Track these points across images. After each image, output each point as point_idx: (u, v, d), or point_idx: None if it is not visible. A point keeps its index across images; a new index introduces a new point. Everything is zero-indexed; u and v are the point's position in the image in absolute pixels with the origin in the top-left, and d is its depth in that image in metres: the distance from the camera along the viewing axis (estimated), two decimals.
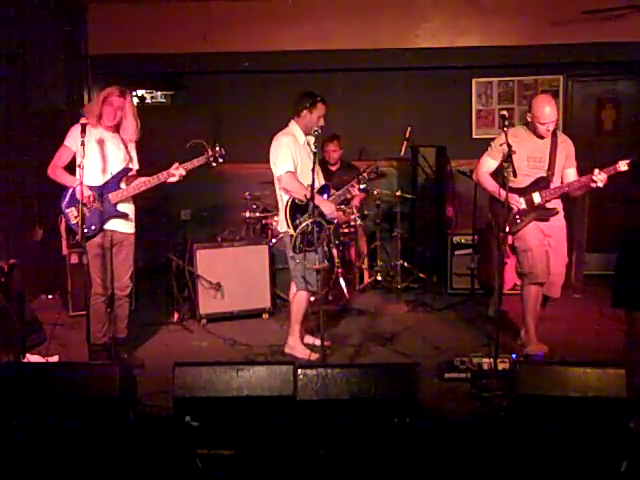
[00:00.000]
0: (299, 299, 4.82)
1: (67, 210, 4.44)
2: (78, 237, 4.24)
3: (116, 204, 4.50)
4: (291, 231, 4.59)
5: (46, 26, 6.37)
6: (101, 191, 4.46)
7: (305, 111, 4.70)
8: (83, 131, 4.02)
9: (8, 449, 3.15)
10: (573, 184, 4.60)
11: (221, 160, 4.68)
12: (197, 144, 4.67)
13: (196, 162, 4.61)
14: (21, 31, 6.11)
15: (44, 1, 6.37)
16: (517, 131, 4.76)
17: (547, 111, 4.50)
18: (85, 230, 4.31)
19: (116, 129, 4.54)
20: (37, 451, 3.13)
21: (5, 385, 3.32)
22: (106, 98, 4.45)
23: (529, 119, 4.61)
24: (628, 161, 4.42)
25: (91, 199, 4.36)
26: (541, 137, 4.62)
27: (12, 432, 3.20)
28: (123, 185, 4.54)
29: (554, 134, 4.65)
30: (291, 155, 4.62)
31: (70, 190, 4.43)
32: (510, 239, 4.63)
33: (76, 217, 4.32)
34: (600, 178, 4.44)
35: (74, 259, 5.77)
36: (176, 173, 4.54)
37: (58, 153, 4.49)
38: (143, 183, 4.54)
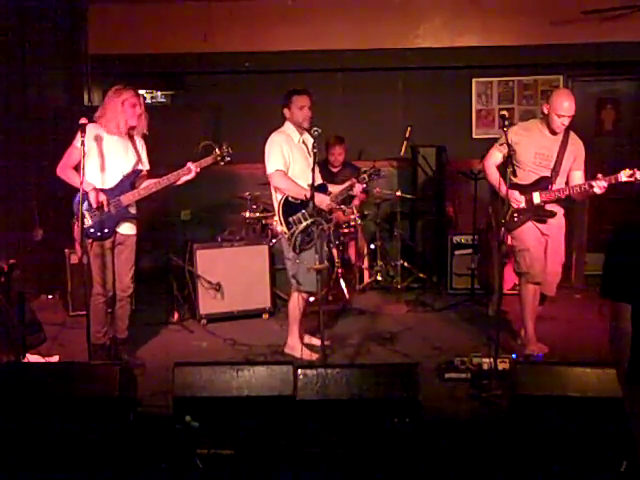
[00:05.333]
0: (294, 299, 4.83)
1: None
2: (92, 240, 4.30)
3: (127, 206, 4.50)
4: (284, 229, 4.60)
5: (46, 26, 6.37)
6: (113, 193, 4.45)
7: (285, 110, 4.74)
8: (83, 131, 4.01)
9: (8, 449, 3.14)
10: (574, 188, 4.57)
11: (229, 159, 4.69)
12: (206, 145, 4.68)
13: (204, 162, 4.62)
14: (21, 31, 6.11)
15: (44, 1, 6.37)
16: (530, 125, 4.75)
17: (566, 104, 4.47)
18: (99, 233, 4.35)
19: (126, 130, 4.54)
20: (37, 451, 3.13)
21: (5, 385, 3.32)
22: (125, 101, 4.45)
23: (546, 111, 4.56)
24: (630, 172, 4.37)
25: (105, 203, 4.36)
26: (554, 132, 4.58)
27: (12, 432, 3.19)
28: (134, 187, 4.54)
29: (566, 134, 4.62)
30: (281, 154, 4.63)
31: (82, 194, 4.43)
32: (508, 239, 4.62)
33: (91, 218, 4.34)
34: (600, 185, 4.40)
35: (74, 259, 5.76)
36: (192, 168, 4.53)
37: (67, 153, 4.45)
38: (154, 184, 4.52)
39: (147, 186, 4.53)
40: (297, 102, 4.70)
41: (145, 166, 4.63)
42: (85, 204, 4.36)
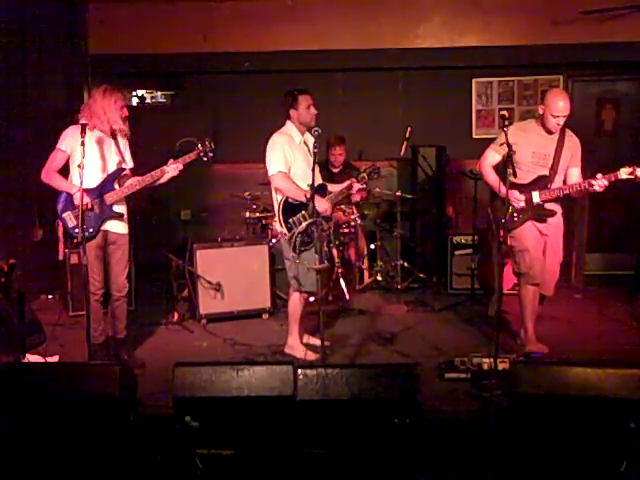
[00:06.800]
0: (294, 299, 4.83)
1: (64, 214, 4.43)
2: (77, 240, 4.27)
3: (112, 205, 4.51)
4: (284, 230, 4.60)
5: (46, 26, 6.37)
6: (97, 193, 4.45)
7: (291, 110, 4.72)
8: (83, 131, 4.01)
9: (8, 449, 3.14)
10: (573, 187, 4.57)
11: (211, 154, 4.68)
12: (187, 142, 4.67)
13: (187, 158, 4.61)
14: (21, 31, 6.11)
15: (44, 1, 6.37)
16: (526, 125, 4.75)
17: (560, 104, 4.47)
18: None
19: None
20: (37, 451, 3.13)
21: (5, 385, 3.32)
22: (116, 101, 4.46)
23: (541, 111, 4.57)
24: (630, 170, 4.37)
25: (89, 205, 4.36)
26: (550, 132, 4.58)
27: (12, 432, 3.19)
28: (117, 186, 4.53)
29: (562, 132, 4.62)
30: (283, 155, 4.62)
31: (64, 194, 4.42)
32: (508, 239, 4.61)
33: (75, 219, 4.33)
34: (600, 184, 4.40)
35: (74, 259, 5.76)
36: (168, 169, 4.54)
37: (52, 157, 4.47)
38: (137, 182, 4.53)
39: (130, 184, 4.54)
40: (304, 102, 4.69)
41: (128, 164, 4.63)
42: (66, 204, 4.38)
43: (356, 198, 6.31)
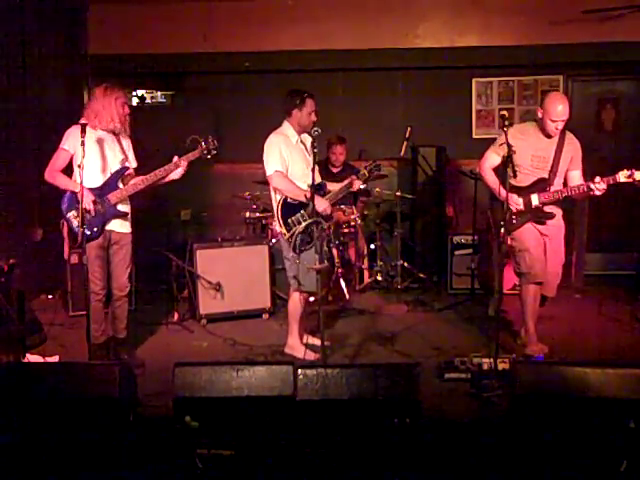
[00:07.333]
0: (294, 299, 4.82)
1: (69, 214, 4.43)
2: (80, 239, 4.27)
3: (116, 204, 4.50)
4: (283, 230, 4.60)
5: (46, 26, 6.37)
6: (101, 192, 4.45)
7: (295, 110, 4.70)
8: (83, 131, 4.01)
9: (8, 449, 3.14)
10: (572, 189, 4.57)
11: (214, 152, 4.68)
12: (193, 140, 4.68)
13: (191, 156, 4.61)
14: (21, 31, 6.11)
15: (44, 1, 6.37)
16: (525, 128, 4.74)
17: (559, 109, 4.46)
18: (88, 232, 4.31)
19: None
20: (37, 451, 3.13)
21: (5, 385, 3.32)
22: (118, 99, 4.47)
23: (540, 115, 4.55)
24: (628, 173, 4.36)
25: (93, 205, 4.36)
26: (549, 136, 4.58)
27: (12, 432, 3.19)
28: (121, 185, 4.54)
29: (562, 134, 4.60)
30: (280, 155, 4.62)
31: (68, 194, 4.42)
32: (508, 240, 4.61)
33: (77, 219, 4.32)
34: (599, 187, 4.39)
35: (74, 259, 5.75)
36: (177, 169, 4.53)
37: (55, 156, 4.47)
38: (141, 181, 4.54)
39: (134, 183, 4.54)
40: (309, 106, 4.68)
41: (132, 164, 4.64)
42: (70, 204, 4.38)
43: (360, 204, 6.31)
